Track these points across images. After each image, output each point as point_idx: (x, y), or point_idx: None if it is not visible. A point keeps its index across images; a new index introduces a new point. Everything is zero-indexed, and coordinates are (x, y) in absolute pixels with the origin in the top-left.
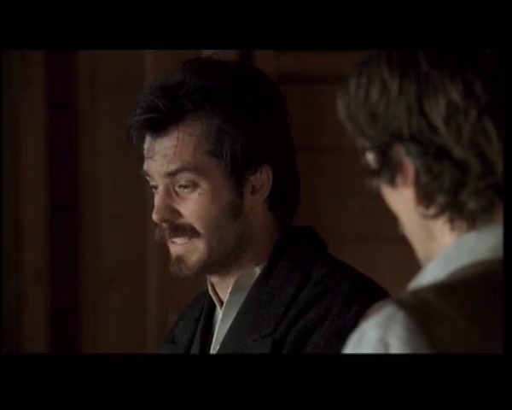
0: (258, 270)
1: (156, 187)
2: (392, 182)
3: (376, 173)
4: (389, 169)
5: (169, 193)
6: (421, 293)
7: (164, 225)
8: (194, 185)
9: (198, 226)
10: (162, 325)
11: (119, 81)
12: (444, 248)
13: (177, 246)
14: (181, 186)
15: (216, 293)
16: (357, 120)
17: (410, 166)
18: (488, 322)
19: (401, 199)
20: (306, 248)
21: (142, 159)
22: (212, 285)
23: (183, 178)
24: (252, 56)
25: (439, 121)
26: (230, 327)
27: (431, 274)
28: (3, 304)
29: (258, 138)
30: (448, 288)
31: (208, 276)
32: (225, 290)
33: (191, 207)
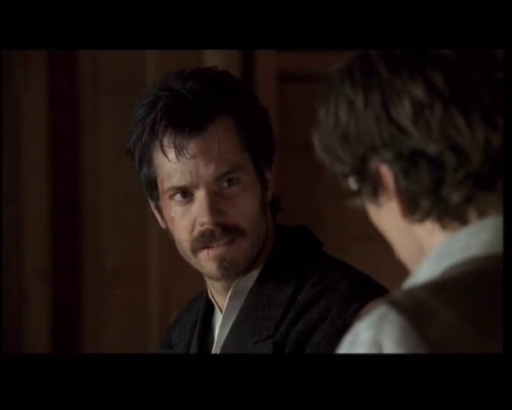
0: (256, 273)
1: (191, 191)
2: (374, 196)
3: (358, 192)
4: (369, 183)
5: (213, 194)
6: (413, 292)
7: (212, 228)
8: (237, 182)
9: (244, 225)
10: (164, 324)
11: (120, 80)
12: (436, 247)
13: (220, 248)
14: (225, 185)
15: (214, 298)
16: (332, 147)
17: (388, 174)
18: (482, 319)
19: (388, 215)
20: (302, 249)
21: (150, 162)
22: (211, 290)
23: (229, 176)
24: (252, 55)
25: (407, 123)
26: (230, 331)
27: (424, 273)
28: (5, 303)
29: (270, 135)
30: (441, 286)
31: (208, 279)
32: (224, 295)
33: (239, 204)
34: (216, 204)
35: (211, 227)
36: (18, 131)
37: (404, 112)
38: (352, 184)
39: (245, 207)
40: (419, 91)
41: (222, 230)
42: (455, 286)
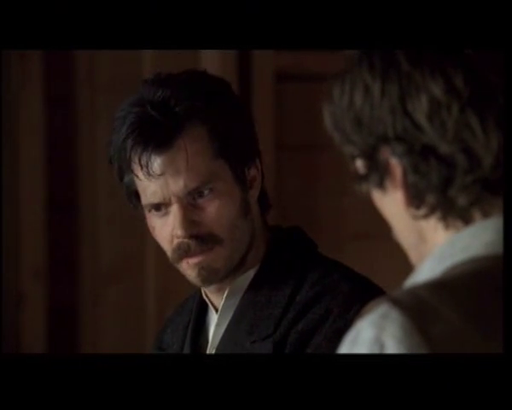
0: (252, 272)
1: (165, 205)
2: (381, 185)
3: (365, 178)
4: (377, 172)
5: (186, 206)
6: (415, 291)
7: (187, 240)
8: (211, 192)
9: (220, 233)
10: (161, 324)
11: (117, 79)
12: (438, 246)
13: (198, 258)
14: (197, 197)
15: (209, 297)
16: (344, 127)
17: (397, 167)
18: (483, 318)
19: (392, 203)
20: (298, 249)
21: (128, 175)
22: (205, 290)
23: (200, 190)
24: (249, 55)
25: (422, 119)
26: (227, 330)
27: (426, 272)
28: (2, 303)
29: (248, 131)
30: (442, 285)
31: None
32: (220, 295)
33: (213, 214)
34: (189, 216)
35: (186, 240)
36: (15, 130)
37: (420, 108)
38: (360, 167)
39: (219, 215)
40: (438, 90)
41: (197, 241)
42: (457, 286)
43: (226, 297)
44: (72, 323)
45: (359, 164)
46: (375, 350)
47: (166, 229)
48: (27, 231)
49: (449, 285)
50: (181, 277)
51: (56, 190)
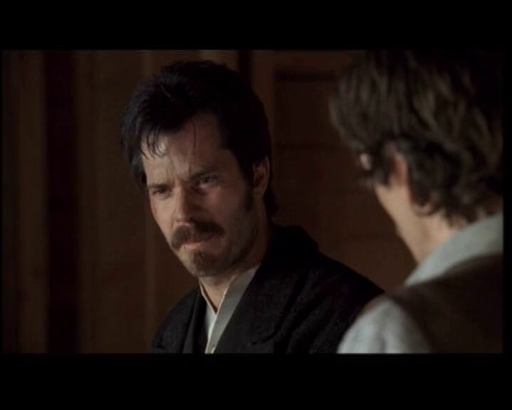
0: (252, 271)
1: (169, 187)
2: (385, 181)
3: (370, 174)
4: (382, 168)
5: (189, 191)
6: (417, 288)
7: (188, 224)
8: (215, 179)
9: (220, 221)
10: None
11: (117, 79)
12: (441, 244)
13: (196, 244)
14: (201, 182)
15: (208, 295)
16: (349, 122)
17: (402, 163)
18: (485, 317)
19: (396, 199)
20: (300, 249)
21: (137, 156)
22: (204, 287)
23: (205, 176)
24: (249, 53)
25: (428, 116)
26: (226, 329)
27: (428, 270)
28: (2, 302)
29: (261, 129)
30: (445, 283)
31: (202, 277)
32: (219, 293)
33: (215, 201)
34: (191, 201)
35: (186, 224)
36: (15, 129)
37: (426, 105)
38: (365, 163)
39: (222, 204)
40: (445, 87)
41: (197, 226)
42: (459, 284)
43: (226, 295)
44: (72, 323)
45: (364, 159)
46: (376, 347)
47: (168, 212)
48: (27, 231)
49: (451, 284)
50: (181, 277)
51: (56, 188)
